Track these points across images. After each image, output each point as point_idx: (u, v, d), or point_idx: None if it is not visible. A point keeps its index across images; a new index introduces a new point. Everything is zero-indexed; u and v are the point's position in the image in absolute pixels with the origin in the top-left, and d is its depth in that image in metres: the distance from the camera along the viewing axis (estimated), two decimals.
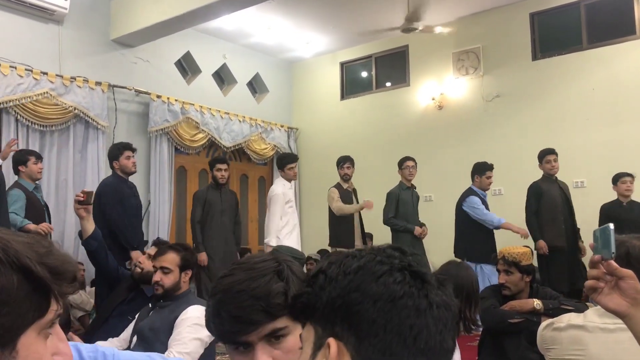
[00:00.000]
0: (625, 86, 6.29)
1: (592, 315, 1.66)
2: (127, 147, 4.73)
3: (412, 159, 6.06)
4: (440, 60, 7.58)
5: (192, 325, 2.46)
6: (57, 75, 5.92)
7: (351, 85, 8.68)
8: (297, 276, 1.03)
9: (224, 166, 5.72)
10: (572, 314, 1.78)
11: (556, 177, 5.71)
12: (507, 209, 6.15)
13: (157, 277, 2.65)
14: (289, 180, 5.69)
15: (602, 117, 6.39)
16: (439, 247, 6.38)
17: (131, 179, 4.84)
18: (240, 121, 7.92)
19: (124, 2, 6.42)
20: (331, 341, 0.66)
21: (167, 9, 5.92)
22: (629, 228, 5.22)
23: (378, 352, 0.64)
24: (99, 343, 2.49)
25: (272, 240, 5.38)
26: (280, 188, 5.60)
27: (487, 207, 5.80)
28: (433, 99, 7.61)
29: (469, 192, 5.81)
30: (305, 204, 8.55)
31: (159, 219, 6.83)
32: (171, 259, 2.67)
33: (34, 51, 5.83)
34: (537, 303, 2.81)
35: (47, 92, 5.80)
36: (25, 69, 5.67)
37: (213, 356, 2.69)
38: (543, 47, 6.98)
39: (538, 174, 6.11)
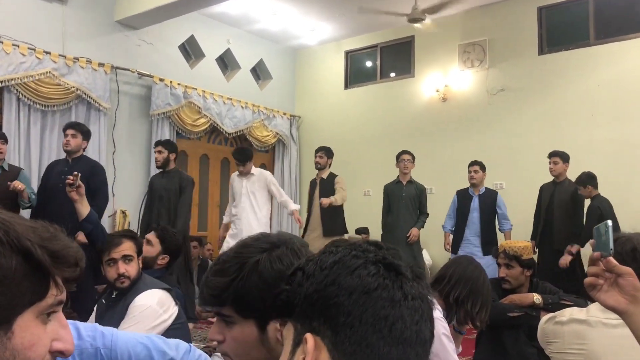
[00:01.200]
0: (631, 83, 6.25)
1: (595, 310, 1.65)
2: None
3: (409, 153, 6.04)
4: (446, 52, 7.53)
5: (135, 316, 2.37)
6: (60, 55, 5.88)
7: (355, 75, 8.63)
8: (273, 269, 1.00)
9: (157, 148, 5.36)
10: (575, 309, 1.77)
11: (565, 179, 5.55)
12: (508, 203, 6.13)
13: (122, 268, 2.49)
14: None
15: (607, 113, 6.36)
16: (439, 241, 6.38)
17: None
18: (242, 107, 7.88)
19: None
20: (308, 336, 0.67)
21: None
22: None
23: (354, 343, 0.65)
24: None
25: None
26: (234, 174, 5.76)
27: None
28: (437, 91, 7.57)
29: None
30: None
31: None
32: (129, 246, 2.57)
33: (37, 30, 5.78)
34: (536, 297, 2.82)
35: (49, 72, 5.76)
36: (28, 48, 5.63)
37: (188, 334, 2.64)
38: (550, 41, 6.93)
39: (540, 170, 6.09)
